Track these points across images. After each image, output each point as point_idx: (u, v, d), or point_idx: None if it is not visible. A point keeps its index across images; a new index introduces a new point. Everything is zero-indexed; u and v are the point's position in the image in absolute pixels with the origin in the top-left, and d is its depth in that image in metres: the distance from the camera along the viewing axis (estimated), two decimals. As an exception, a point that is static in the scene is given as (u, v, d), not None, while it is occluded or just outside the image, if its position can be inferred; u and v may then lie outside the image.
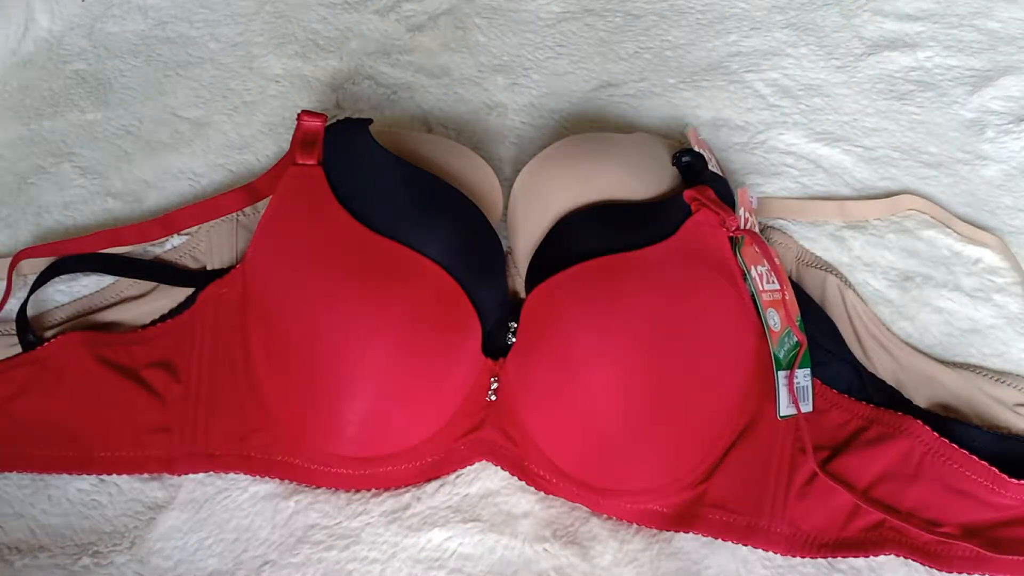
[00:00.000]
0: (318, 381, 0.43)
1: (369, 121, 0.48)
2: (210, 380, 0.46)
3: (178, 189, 0.56)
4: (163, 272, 0.50)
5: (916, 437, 0.43)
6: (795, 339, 0.45)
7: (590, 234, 0.45)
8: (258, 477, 0.45)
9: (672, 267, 0.44)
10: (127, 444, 0.46)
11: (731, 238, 0.45)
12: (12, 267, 0.50)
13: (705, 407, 0.43)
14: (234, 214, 0.52)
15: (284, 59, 0.63)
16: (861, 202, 0.54)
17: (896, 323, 0.50)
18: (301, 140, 0.47)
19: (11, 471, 0.46)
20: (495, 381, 0.45)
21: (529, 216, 0.48)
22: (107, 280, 0.51)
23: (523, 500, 0.45)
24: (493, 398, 0.45)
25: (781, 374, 0.44)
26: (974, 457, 0.43)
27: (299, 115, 0.48)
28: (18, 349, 0.48)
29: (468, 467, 0.46)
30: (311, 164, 0.47)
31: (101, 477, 0.46)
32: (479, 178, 0.50)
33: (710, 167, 0.49)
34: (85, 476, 0.46)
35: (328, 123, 0.48)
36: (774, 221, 0.54)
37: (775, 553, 0.43)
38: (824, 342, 0.47)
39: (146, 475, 0.46)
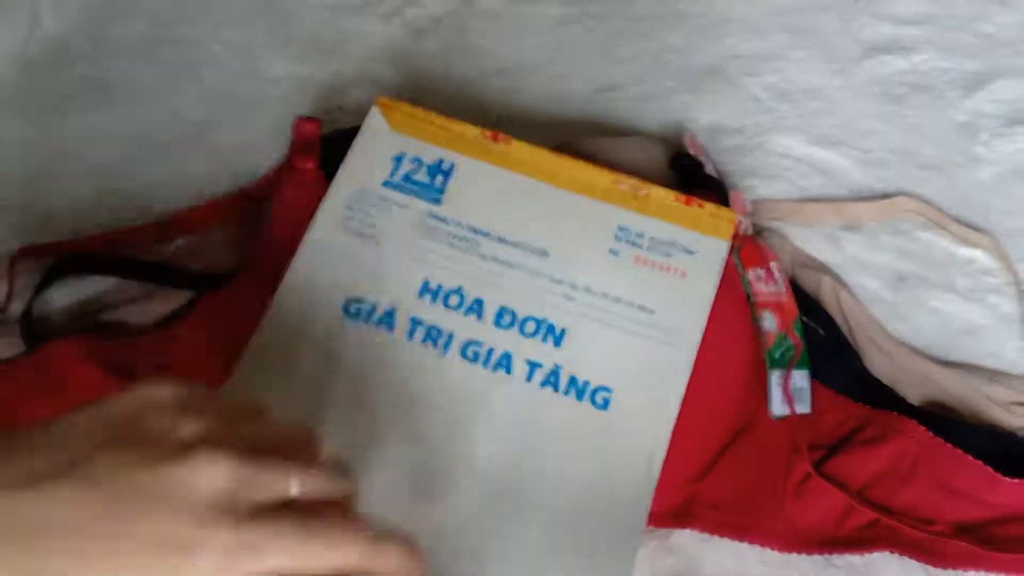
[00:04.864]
0: None
1: None
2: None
3: (182, 191, 0.57)
4: (165, 275, 0.51)
5: (911, 437, 0.44)
6: (791, 342, 0.45)
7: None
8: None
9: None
10: None
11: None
12: (11, 266, 0.50)
13: (702, 406, 0.43)
14: (237, 216, 0.52)
15: (287, 62, 0.64)
16: (857, 204, 0.55)
17: (891, 323, 0.50)
18: (299, 145, 0.48)
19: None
20: None
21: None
22: (111, 281, 0.52)
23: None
24: None
25: (775, 373, 0.44)
26: (968, 456, 0.43)
27: (295, 121, 0.48)
28: (20, 349, 0.48)
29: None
30: (311, 169, 0.47)
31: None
32: None
33: (707, 171, 0.49)
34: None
35: (325, 133, 0.48)
36: (770, 223, 0.54)
37: (771, 549, 0.43)
38: (822, 341, 0.47)
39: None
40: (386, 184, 0.44)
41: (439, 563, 0.36)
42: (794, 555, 0.43)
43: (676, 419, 0.40)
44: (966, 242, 0.53)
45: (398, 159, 0.44)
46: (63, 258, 0.51)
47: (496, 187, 0.44)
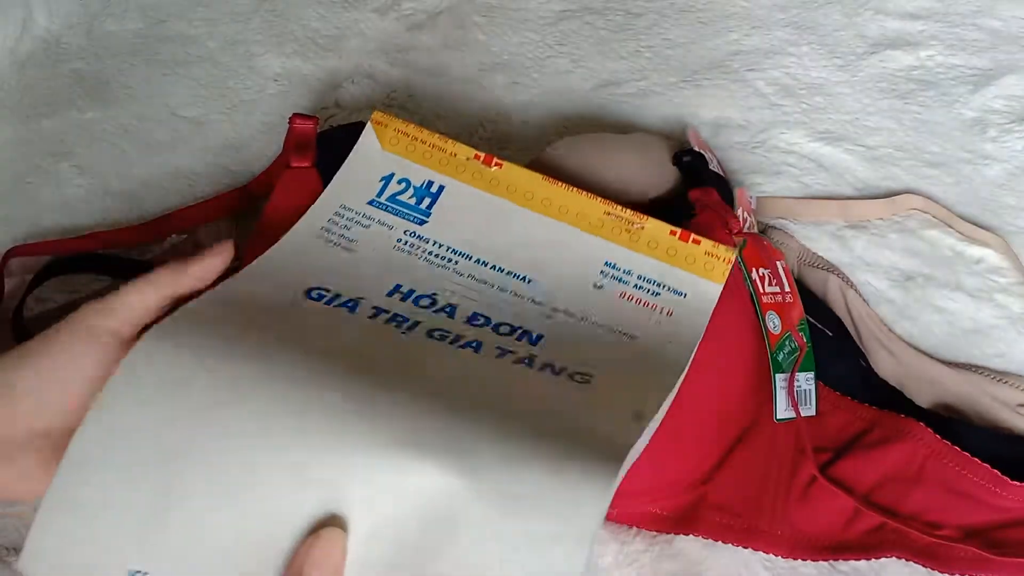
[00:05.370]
0: None
1: (362, 124, 0.48)
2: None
3: (176, 189, 0.56)
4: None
5: (918, 440, 0.43)
6: (795, 343, 0.45)
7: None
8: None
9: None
10: None
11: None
12: (3, 264, 0.50)
13: (706, 408, 0.43)
14: (231, 214, 0.52)
15: (283, 58, 0.63)
16: (863, 202, 0.54)
17: (898, 323, 0.50)
18: (295, 143, 0.47)
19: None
20: None
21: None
22: (104, 281, 0.51)
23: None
24: None
25: (779, 377, 0.44)
26: (976, 459, 0.43)
27: (291, 118, 0.48)
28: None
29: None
30: (306, 167, 0.47)
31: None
32: None
33: (711, 167, 0.49)
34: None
35: (321, 129, 0.48)
36: (775, 221, 0.54)
37: (776, 555, 0.42)
38: (829, 342, 0.47)
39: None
40: (371, 203, 0.42)
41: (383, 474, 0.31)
42: (799, 561, 0.42)
43: (669, 404, 0.37)
44: (974, 241, 0.53)
45: (386, 179, 0.43)
46: (55, 257, 0.51)
47: (482, 213, 0.42)
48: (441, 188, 0.42)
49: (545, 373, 0.35)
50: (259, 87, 0.62)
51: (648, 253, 0.41)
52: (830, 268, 0.51)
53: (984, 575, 0.41)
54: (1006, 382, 0.47)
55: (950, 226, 0.54)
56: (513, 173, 0.43)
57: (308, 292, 0.38)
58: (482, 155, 0.43)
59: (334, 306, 0.37)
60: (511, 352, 0.36)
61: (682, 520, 0.43)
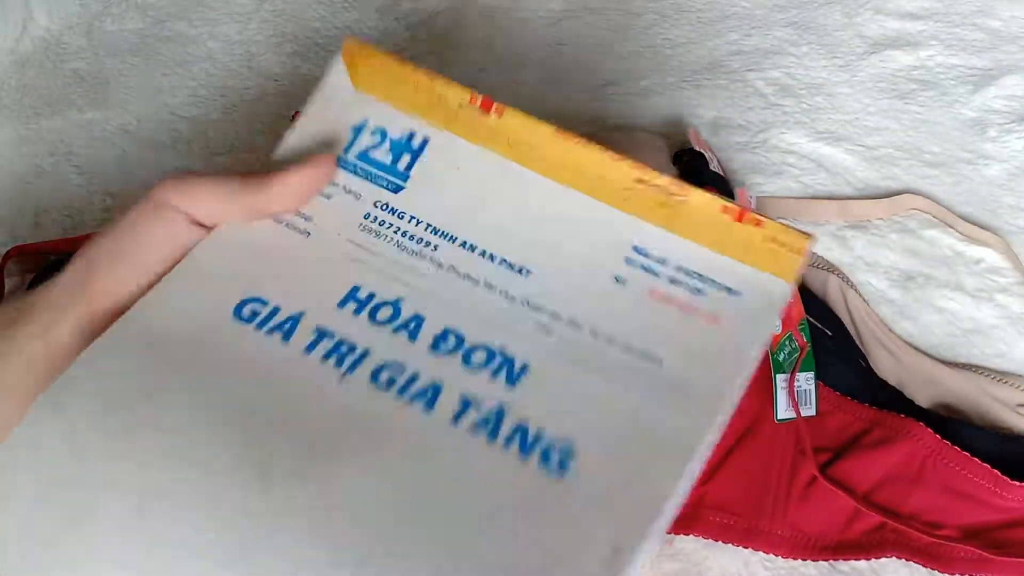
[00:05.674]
0: None
1: None
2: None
3: (176, 189, 0.56)
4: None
5: (918, 440, 0.43)
6: (796, 344, 0.44)
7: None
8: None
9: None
10: None
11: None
12: (4, 263, 0.50)
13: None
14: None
15: (283, 58, 0.63)
16: (863, 202, 0.54)
17: (898, 323, 0.50)
18: None
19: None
20: None
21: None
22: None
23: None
24: None
25: (780, 377, 0.44)
26: (976, 459, 0.43)
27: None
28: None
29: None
30: None
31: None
32: None
33: (711, 167, 0.49)
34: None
35: None
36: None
37: (776, 555, 0.42)
38: (829, 343, 0.47)
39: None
40: (338, 162, 0.34)
41: None
42: (799, 561, 0.42)
43: (671, 506, 0.27)
44: (974, 240, 0.53)
45: (358, 130, 0.34)
46: (56, 258, 0.51)
47: (475, 175, 0.33)
48: (425, 141, 0.34)
49: (509, 454, 0.27)
50: (259, 87, 0.62)
51: (691, 236, 0.31)
52: (830, 268, 0.51)
53: (984, 575, 0.42)
54: (1006, 382, 0.47)
55: (950, 226, 0.53)
56: (517, 122, 0.33)
57: (239, 308, 0.31)
58: (479, 98, 0.33)
59: (265, 331, 0.30)
60: (475, 406, 0.29)
61: (682, 520, 0.43)
